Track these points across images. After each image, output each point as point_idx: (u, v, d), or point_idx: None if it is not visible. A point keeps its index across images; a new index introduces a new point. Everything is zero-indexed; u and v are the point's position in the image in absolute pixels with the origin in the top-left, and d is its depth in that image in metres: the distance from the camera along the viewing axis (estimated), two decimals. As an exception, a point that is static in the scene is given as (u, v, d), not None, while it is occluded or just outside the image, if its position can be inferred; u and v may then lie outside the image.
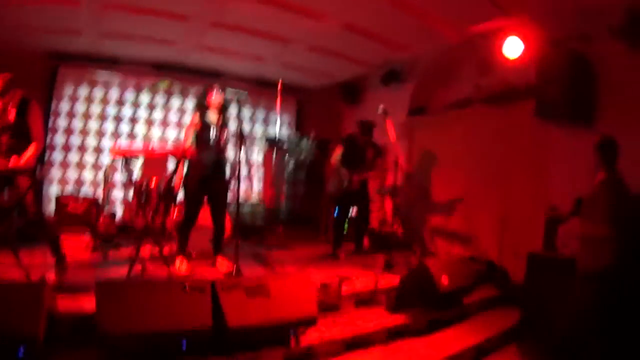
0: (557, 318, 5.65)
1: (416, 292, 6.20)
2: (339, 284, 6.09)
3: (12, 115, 5.86)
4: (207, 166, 6.82)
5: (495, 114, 8.58)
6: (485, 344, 5.84)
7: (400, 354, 5.34)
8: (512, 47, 7.67)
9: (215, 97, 6.93)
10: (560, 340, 5.50)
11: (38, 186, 5.98)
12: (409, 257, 8.19)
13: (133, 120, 11.27)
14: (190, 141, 6.87)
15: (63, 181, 10.07)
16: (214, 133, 6.90)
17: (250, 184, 6.83)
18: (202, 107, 7.02)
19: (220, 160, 7.00)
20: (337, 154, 8.74)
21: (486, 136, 8.73)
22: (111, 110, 11.25)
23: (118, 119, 11.17)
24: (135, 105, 11.50)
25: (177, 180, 6.91)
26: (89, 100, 11.15)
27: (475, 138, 8.96)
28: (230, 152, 7.22)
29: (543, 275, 6.17)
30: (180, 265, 6.74)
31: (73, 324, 4.59)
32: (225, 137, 7.01)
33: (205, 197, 7.05)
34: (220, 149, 6.97)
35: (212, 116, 6.98)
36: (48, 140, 10.35)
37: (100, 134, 10.84)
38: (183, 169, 6.80)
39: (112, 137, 10.85)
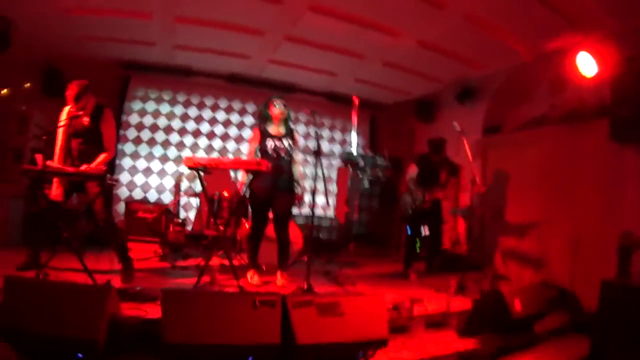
0: (631, 352, 5.35)
1: (488, 316, 6.00)
2: (411, 305, 5.90)
3: (86, 121, 5.92)
4: (270, 179, 6.70)
5: (569, 134, 8.29)
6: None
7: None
8: (586, 65, 7.44)
9: (277, 109, 6.85)
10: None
11: (108, 193, 5.94)
12: (480, 279, 7.92)
13: (201, 129, 11.35)
14: (252, 154, 6.87)
15: (132, 187, 10.19)
16: (276, 145, 6.82)
17: (325, 200, 6.67)
18: (263, 120, 6.96)
19: (282, 173, 6.86)
20: (411, 173, 8.61)
21: (560, 156, 8.46)
22: (185, 120, 11.37)
23: (191, 130, 11.25)
24: (208, 118, 11.61)
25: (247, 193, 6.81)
26: (160, 109, 11.34)
27: (548, 158, 8.69)
28: (296, 166, 7.07)
29: (618, 305, 5.77)
30: (252, 278, 6.70)
31: (136, 331, 4.53)
32: (287, 149, 6.88)
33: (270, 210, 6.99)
34: (283, 161, 6.85)
35: (274, 129, 6.90)
36: (119, 147, 10.49)
37: (172, 143, 10.92)
38: (256, 181, 6.68)
39: (182, 147, 10.95)
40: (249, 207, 7.47)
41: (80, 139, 5.96)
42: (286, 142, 6.87)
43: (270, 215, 7.01)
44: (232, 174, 9.54)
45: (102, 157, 5.95)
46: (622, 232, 6.54)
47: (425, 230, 8.88)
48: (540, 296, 6.56)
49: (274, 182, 6.74)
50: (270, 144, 6.78)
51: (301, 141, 7.10)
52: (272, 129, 6.88)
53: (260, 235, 6.93)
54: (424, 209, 8.39)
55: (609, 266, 6.65)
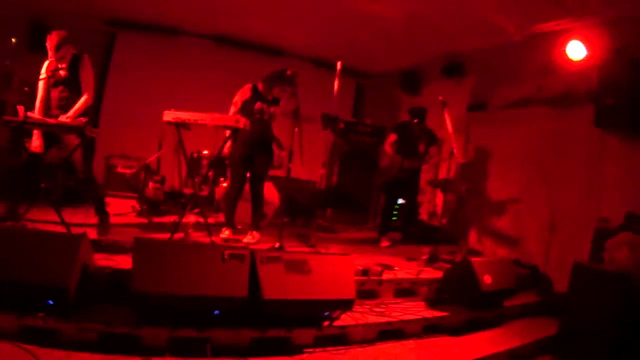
0: (600, 333, 5.42)
1: (457, 288, 6.10)
2: (381, 271, 6.00)
3: (64, 70, 5.93)
4: (251, 139, 6.83)
5: (554, 117, 8.33)
6: (518, 351, 5.66)
7: (432, 349, 5.23)
8: (575, 51, 7.50)
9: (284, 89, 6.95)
10: (600, 357, 5.31)
11: (87, 145, 5.98)
12: (454, 252, 8.01)
13: (187, 89, 11.22)
14: (237, 107, 6.92)
15: (114, 143, 10.18)
16: (263, 108, 6.90)
17: (301, 162, 6.73)
18: (268, 82, 7.00)
19: (263, 135, 6.98)
20: (390, 141, 8.61)
21: (543, 139, 8.50)
22: (167, 78, 11.30)
23: (173, 87, 11.17)
24: (191, 74, 11.50)
25: (225, 151, 6.86)
26: (146, 67, 11.28)
27: (531, 140, 8.73)
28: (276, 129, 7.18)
29: (588, 288, 5.84)
30: (224, 234, 6.76)
31: (108, 281, 4.61)
32: (271, 112, 6.97)
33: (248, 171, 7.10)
34: (265, 123, 6.96)
35: (264, 92, 7.00)
36: (102, 102, 10.51)
37: (155, 100, 10.86)
38: (233, 139, 6.74)
39: (166, 104, 10.85)
40: (228, 166, 7.54)
41: (60, 87, 5.98)
42: (272, 108, 6.96)
43: (248, 175, 7.11)
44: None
45: (80, 101, 5.94)
46: (600, 217, 6.65)
47: (402, 200, 8.95)
48: (511, 273, 6.60)
49: (253, 142, 6.86)
50: (257, 105, 6.86)
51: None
52: (263, 90, 7.01)
53: (236, 193, 7.02)
54: (402, 177, 8.43)
55: (582, 250, 6.76)
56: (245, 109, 6.86)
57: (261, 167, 7.06)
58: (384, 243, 8.43)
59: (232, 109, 6.90)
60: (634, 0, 6.78)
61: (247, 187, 7.19)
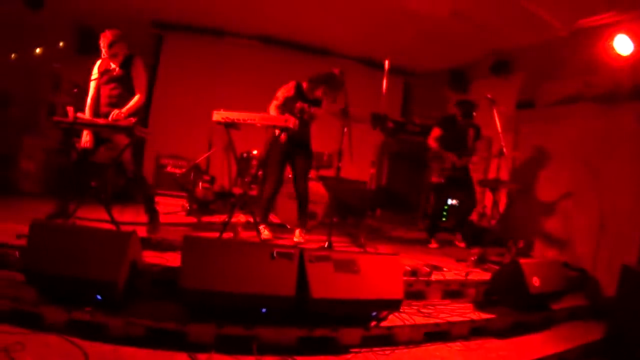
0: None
1: (505, 289, 6.01)
2: (430, 272, 5.93)
3: (116, 71, 6.01)
4: (290, 138, 6.82)
5: (603, 114, 8.15)
6: (566, 355, 5.54)
7: (479, 352, 5.15)
8: (622, 45, 7.33)
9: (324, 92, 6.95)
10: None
11: (137, 145, 6.05)
12: (503, 254, 7.86)
13: (234, 89, 11.27)
14: (280, 102, 6.91)
15: (164, 143, 10.27)
16: (303, 108, 6.91)
17: (351, 161, 6.73)
18: (312, 83, 7.00)
19: (303, 135, 7.00)
20: (434, 135, 8.42)
21: (591, 137, 8.32)
22: (214, 78, 11.43)
23: (220, 87, 11.29)
24: (238, 74, 11.59)
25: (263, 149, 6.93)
26: (193, 67, 11.43)
27: (579, 138, 8.55)
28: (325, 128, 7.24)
29: (636, 291, 5.70)
30: (263, 233, 6.72)
31: (157, 277, 4.66)
32: (312, 113, 6.96)
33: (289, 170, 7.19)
34: (304, 123, 6.95)
35: (307, 91, 7.02)
36: (151, 103, 10.64)
37: (203, 100, 10.95)
38: (283, 139, 6.75)
39: (214, 104, 10.94)
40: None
41: (112, 84, 6.08)
42: (313, 109, 6.97)
43: (290, 174, 7.22)
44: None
45: (134, 100, 6.04)
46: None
47: (453, 200, 8.83)
48: (559, 275, 6.46)
49: (293, 142, 6.88)
50: (299, 104, 6.88)
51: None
52: (306, 90, 7.02)
53: (273, 193, 7.05)
54: (455, 176, 8.27)
55: (632, 252, 6.60)
56: (287, 106, 6.88)
57: (302, 166, 7.09)
58: (433, 245, 8.34)
59: (274, 103, 6.89)
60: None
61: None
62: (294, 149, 6.97)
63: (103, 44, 5.94)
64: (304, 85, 7.04)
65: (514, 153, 8.40)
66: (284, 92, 6.97)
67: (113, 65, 6.05)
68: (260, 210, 7.07)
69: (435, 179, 8.52)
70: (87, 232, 4.34)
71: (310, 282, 4.32)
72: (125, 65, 6.12)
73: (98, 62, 6.18)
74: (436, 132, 8.43)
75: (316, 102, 7.04)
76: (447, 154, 8.21)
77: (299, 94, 6.98)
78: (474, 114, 8.39)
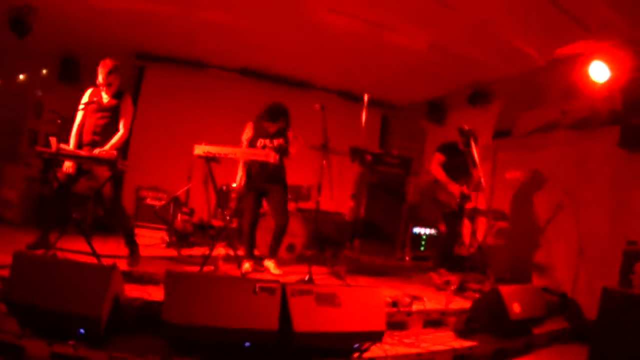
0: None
1: (487, 317, 6.04)
2: (410, 302, 5.97)
3: (107, 99, 6.09)
4: (262, 172, 6.94)
5: (578, 140, 8.36)
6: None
7: (462, 380, 5.17)
8: (598, 72, 7.49)
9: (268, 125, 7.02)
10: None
11: (118, 177, 6.08)
12: (482, 281, 7.88)
13: (215, 121, 11.27)
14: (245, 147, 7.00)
15: (144, 175, 10.30)
16: (265, 144, 7.01)
17: (330, 195, 6.78)
18: (259, 118, 7.12)
19: (275, 168, 6.98)
20: (438, 161, 8.24)
21: (568, 162, 8.51)
22: (195, 110, 11.48)
23: (201, 119, 11.29)
24: (219, 106, 11.66)
25: (240, 183, 7.05)
26: (174, 99, 11.46)
27: (556, 164, 8.75)
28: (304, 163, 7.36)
29: (618, 313, 5.78)
30: (244, 268, 6.74)
31: (139, 311, 4.66)
32: (276, 146, 7.01)
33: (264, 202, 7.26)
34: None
35: (266, 126, 7.06)
36: (131, 135, 10.61)
37: (183, 132, 10.97)
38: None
39: (194, 136, 10.96)
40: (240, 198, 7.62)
41: (100, 114, 6.16)
42: (276, 141, 7.03)
43: (265, 207, 7.30)
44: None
45: (117, 136, 6.13)
46: (627, 240, 6.57)
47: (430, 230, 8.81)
48: (540, 300, 6.55)
49: (265, 176, 6.98)
50: (260, 143, 6.99)
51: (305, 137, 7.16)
52: (266, 125, 7.05)
53: (252, 226, 7.09)
54: (461, 205, 8.07)
55: (612, 274, 6.68)
56: (252, 146, 6.99)
57: (277, 200, 7.12)
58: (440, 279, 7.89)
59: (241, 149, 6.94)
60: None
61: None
62: (267, 185, 7.04)
63: (102, 70, 6.05)
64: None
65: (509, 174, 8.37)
66: (245, 135, 7.09)
67: (105, 95, 6.15)
68: (244, 245, 7.09)
69: (443, 209, 8.28)
70: (70, 265, 4.34)
71: (293, 316, 4.33)
72: (117, 98, 6.23)
73: (89, 91, 6.25)
74: (440, 158, 8.25)
75: (280, 134, 7.09)
76: (453, 185, 8.01)
77: (259, 131, 7.06)
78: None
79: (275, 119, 6.98)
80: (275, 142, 7.01)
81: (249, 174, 6.96)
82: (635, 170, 7.30)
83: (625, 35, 7.24)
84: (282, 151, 7.01)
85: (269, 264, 7.06)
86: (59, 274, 4.09)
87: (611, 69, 7.35)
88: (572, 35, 7.57)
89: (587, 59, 7.63)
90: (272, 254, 7.13)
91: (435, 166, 8.19)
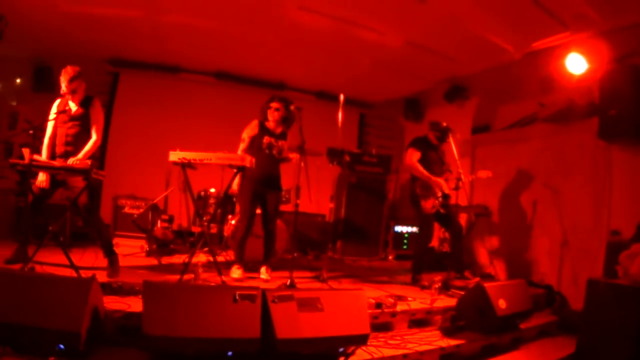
0: (617, 349, 5.36)
1: (472, 314, 6.00)
2: (394, 303, 5.93)
3: (75, 108, 6.01)
4: (260, 176, 6.85)
5: (557, 133, 8.38)
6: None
7: (452, 379, 5.15)
8: (575, 64, 7.55)
9: (277, 107, 7.00)
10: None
11: (94, 187, 5.99)
12: (467, 278, 7.89)
13: (191, 125, 11.24)
14: (246, 143, 6.93)
15: (121, 183, 10.22)
16: (271, 143, 6.96)
17: (310, 197, 6.75)
18: (263, 115, 7.08)
19: (273, 171, 7.05)
20: (416, 158, 7.77)
21: (548, 155, 8.54)
22: (170, 115, 11.44)
23: (177, 124, 11.23)
24: (194, 111, 11.60)
25: (235, 189, 6.86)
26: (149, 105, 11.41)
27: (537, 158, 8.76)
28: (286, 164, 7.25)
29: (604, 304, 5.78)
30: (235, 273, 6.70)
31: (119, 323, 4.56)
32: (280, 148, 7.01)
33: (259, 207, 7.10)
34: (275, 159, 7.02)
35: (272, 126, 7.05)
36: (107, 143, 10.55)
37: (160, 138, 10.89)
38: (240, 178, 6.78)
39: (171, 142, 10.89)
40: (237, 203, 7.51)
41: (70, 123, 6.05)
42: (281, 142, 7.02)
43: (258, 212, 7.11)
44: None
45: (90, 143, 6.02)
46: (611, 230, 6.58)
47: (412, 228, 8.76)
48: (526, 294, 6.54)
49: (263, 179, 6.89)
50: (265, 140, 6.93)
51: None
52: (270, 125, 7.04)
53: (246, 231, 6.96)
54: (444, 203, 7.80)
55: (596, 265, 6.70)
56: (254, 144, 6.90)
57: (273, 205, 7.09)
58: (424, 282, 7.61)
59: (242, 146, 6.91)
60: (632, 10, 6.81)
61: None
62: (265, 189, 6.97)
63: (64, 79, 5.92)
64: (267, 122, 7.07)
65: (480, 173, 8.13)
66: (248, 132, 6.99)
67: (72, 104, 6.04)
68: (235, 250, 7.02)
69: (425, 210, 7.77)
70: (47, 279, 4.25)
71: (275, 323, 4.27)
72: (84, 104, 6.12)
73: (57, 101, 6.14)
74: (416, 154, 7.80)
75: (282, 136, 7.10)
76: (435, 180, 7.67)
77: (264, 130, 7.00)
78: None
79: (286, 124, 7.11)
80: (280, 142, 7.02)
81: (244, 177, 6.87)
82: (615, 160, 7.34)
83: (600, 27, 7.28)
84: (284, 157, 7.06)
85: (262, 269, 7.00)
86: (36, 289, 3.99)
87: (588, 60, 7.39)
88: (547, 28, 7.65)
89: (563, 51, 7.68)
90: (266, 259, 7.10)
91: (413, 163, 7.78)
